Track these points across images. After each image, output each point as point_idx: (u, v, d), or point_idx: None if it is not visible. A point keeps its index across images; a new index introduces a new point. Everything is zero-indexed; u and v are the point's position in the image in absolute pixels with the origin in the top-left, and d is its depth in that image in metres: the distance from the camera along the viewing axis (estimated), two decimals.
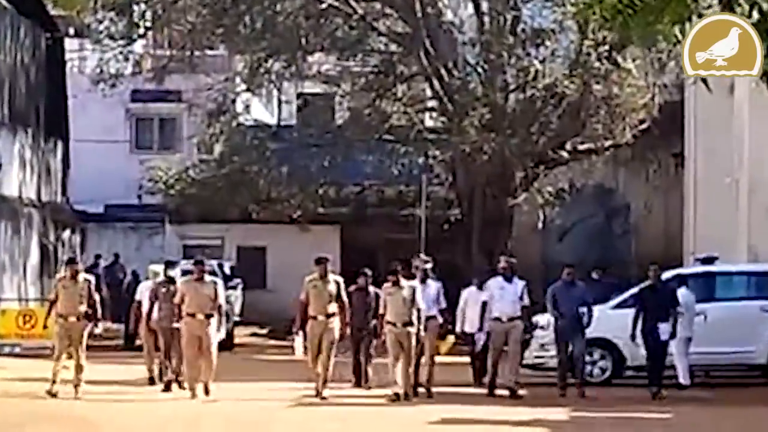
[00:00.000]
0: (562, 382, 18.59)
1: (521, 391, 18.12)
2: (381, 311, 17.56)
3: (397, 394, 17.23)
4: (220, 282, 18.04)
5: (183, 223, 33.73)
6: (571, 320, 18.59)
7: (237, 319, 29.20)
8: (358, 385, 19.08)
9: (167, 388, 18.12)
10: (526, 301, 18.45)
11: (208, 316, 17.28)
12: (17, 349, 25.07)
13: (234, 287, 30.29)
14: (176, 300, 17.60)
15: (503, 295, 18.45)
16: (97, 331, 18.11)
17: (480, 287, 19.83)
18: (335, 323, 17.31)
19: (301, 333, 17.50)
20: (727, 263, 22.43)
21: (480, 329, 19.24)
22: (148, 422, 15.13)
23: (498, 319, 18.41)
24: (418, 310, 17.47)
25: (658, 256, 28.84)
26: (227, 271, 30.66)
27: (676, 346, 18.97)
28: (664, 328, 18.46)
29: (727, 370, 20.57)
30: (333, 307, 17.35)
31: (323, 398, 17.16)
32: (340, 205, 33.09)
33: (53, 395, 17.05)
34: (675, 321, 18.53)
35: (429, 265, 18.60)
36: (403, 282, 17.49)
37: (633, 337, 18.59)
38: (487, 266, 28.68)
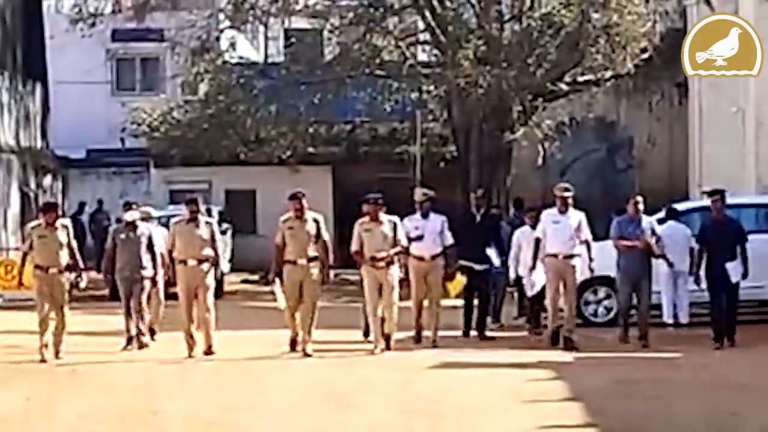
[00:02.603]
0: (624, 327, 16.96)
1: (575, 337, 16.35)
2: (355, 248, 15.91)
3: (379, 348, 15.87)
4: (215, 223, 16.53)
5: (168, 167, 33.09)
6: (636, 260, 16.76)
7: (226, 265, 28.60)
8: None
9: (128, 343, 16.60)
10: (586, 234, 16.47)
11: (202, 262, 15.78)
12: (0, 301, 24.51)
13: (223, 233, 29.68)
14: (167, 245, 16.14)
15: (557, 230, 16.38)
16: (82, 285, 16.28)
17: (533, 226, 18.09)
18: (317, 268, 15.74)
19: (278, 281, 15.83)
20: (735, 196, 21.68)
21: (532, 271, 17.10)
22: (137, 375, 14.64)
23: (554, 255, 16.36)
24: (405, 248, 16.08)
25: (663, 190, 28.38)
26: (215, 216, 30.05)
27: (664, 282, 18.39)
28: (733, 268, 16.49)
29: (740, 307, 19.87)
30: (314, 250, 15.72)
31: (307, 355, 15.59)
32: (332, 145, 32.65)
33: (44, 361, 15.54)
34: (745, 258, 16.52)
35: (427, 198, 16.84)
36: (383, 217, 15.92)
37: (697, 279, 16.77)
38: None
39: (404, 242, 16.06)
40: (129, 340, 16.57)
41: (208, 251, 15.83)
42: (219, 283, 25.68)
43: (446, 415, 11.80)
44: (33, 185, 30.77)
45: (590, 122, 33.28)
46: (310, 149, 30.45)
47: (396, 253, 15.99)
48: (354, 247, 15.95)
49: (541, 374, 14.14)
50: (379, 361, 15.38)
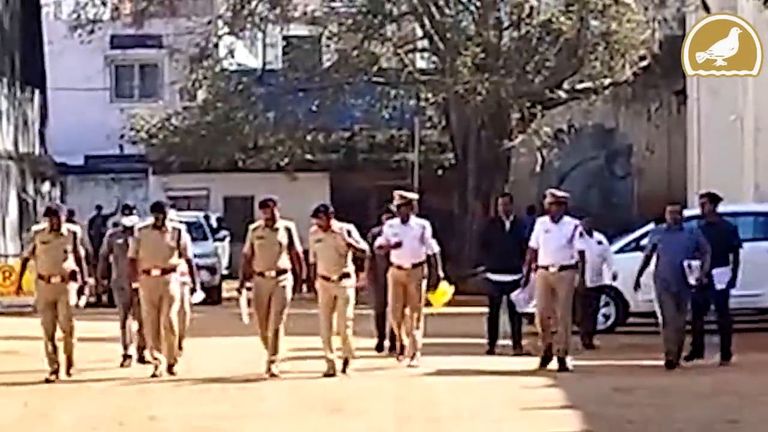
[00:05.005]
0: (675, 351, 15.19)
1: (570, 362, 14.89)
2: (312, 260, 14.56)
3: (331, 370, 14.46)
4: (184, 229, 14.92)
5: (167, 174, 33.13)
6: (675, 274, 15.04)
7: (225, 272, 28.61)
8: (380, 348, 16.40)
9: (124, 359, 15.61)
10: (580, 244, 15.21)
11: (166, 272, 14.45)
12: None
13: (221, 239, 29.75)
14: (130, 252, 14.72)
15: (549, 240, 14.99)
16: (81, 303, 14.71)
17: (590, 233, 17.36)
18: (288, 281, 14.45)
19: (244, 293, 14.62)
20: (733, 204, 21.69)
21: (525, 285, 15.57)
22: (135, 382, 14.42)
23: (545, 267, 15.01)
24: (363, 252, 14.68)
25: (662, 197, 28.28)
26: (214, 222, 30.17)
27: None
28: (720, 275, 15.35)
29: (735, 315, 19.79)
30: (285, 261, 14.44)
31: (272, 375, 14.39)
32: (329, 152, 32.76)
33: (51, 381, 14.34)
34: (736, 265, 15.50)
35: (404, 201, 15.25)
36: (335, 225, 14.57)
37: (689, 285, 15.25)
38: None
39: (363, 246, 14.75)
40: (126, 357, 15.69)
41: (174, 260, 14.61)
42: (218, 289, 25.92)
43: (441, 421, 11.77)
44: (31, 192, 30.78)
45: (589, 130, 33.34)
46: (308, 156, 30.51)
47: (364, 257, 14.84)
48: (311, 259, 14.67)
49: (539, 381, 14.10)
50: (373, 369, 15.20)
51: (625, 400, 12.88)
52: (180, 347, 15.98)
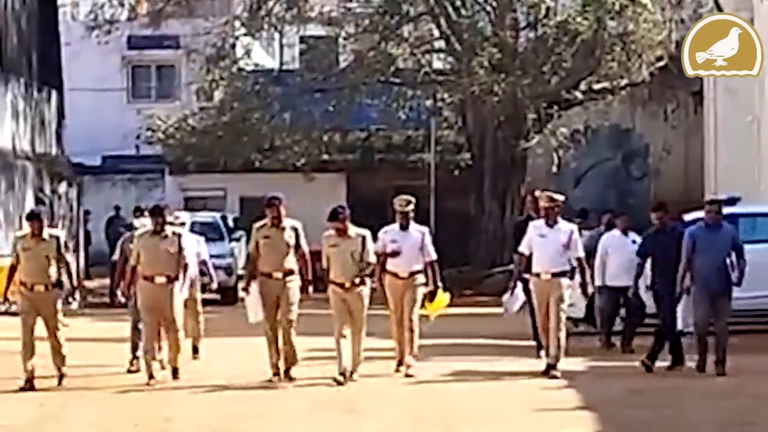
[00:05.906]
0: (702, 355, 14.67)
1: (558, 372, 14.35)
2: (325, 265, 14.18)
3: (340, 375, 13.95)
4: (186, 234, 14.80)
5: (183, 174, 33.20)
6: (715, 274, 14.47)
7: (240, 272, 28.65)
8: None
9: (134, 358, 15.19)
10: (579, 251, 14.54)
11: (171, 280, 14.09)
12: (13, 307, 24.38)
13: (237, 240, 29.79)
14: (131, 260, 14.26)
15: (544, 245, 14.39)
16: (74, 306, 14.36)
17: (625, 232, 17.19)
18: (296, 282, 14.09)
19: (251, 293, 14.17)
20: (750, 204, 21.65)
21: (513, 290, 15.14)
22: (139, 386, 14.26)
23: (537, 275, 14.47)
24: (368, 264, 14.14)
25: (679, 198, 28.25)
26: (230, 223, 30.19)
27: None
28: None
29: (752, 316, 19.71)
30: (292, 262, 14.06)
31: (291, 379, 14.23)
32: (346, 152, 32.71)
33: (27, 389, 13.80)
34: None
35: (411, 207, 14.66)
36: (352, 230, 14.07)
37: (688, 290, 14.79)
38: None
39: (371, 258, 14.22)
40: (135, 357, 15.31)
41: (176, 267, 14.19)
42: (233, 290, 25.95)
43: (457, 423, 11.76)
44: (48, 192, 30.77)
45: (605, 130, 33.24)
46: (325, 156, 30.59)
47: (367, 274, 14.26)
48: (324, 264, 14.21)
49: (554, 383, 14.07)
50: (387, 370, 15.07)
51: (640, 402, 12.88)
52: (196, 352, 16.17)
